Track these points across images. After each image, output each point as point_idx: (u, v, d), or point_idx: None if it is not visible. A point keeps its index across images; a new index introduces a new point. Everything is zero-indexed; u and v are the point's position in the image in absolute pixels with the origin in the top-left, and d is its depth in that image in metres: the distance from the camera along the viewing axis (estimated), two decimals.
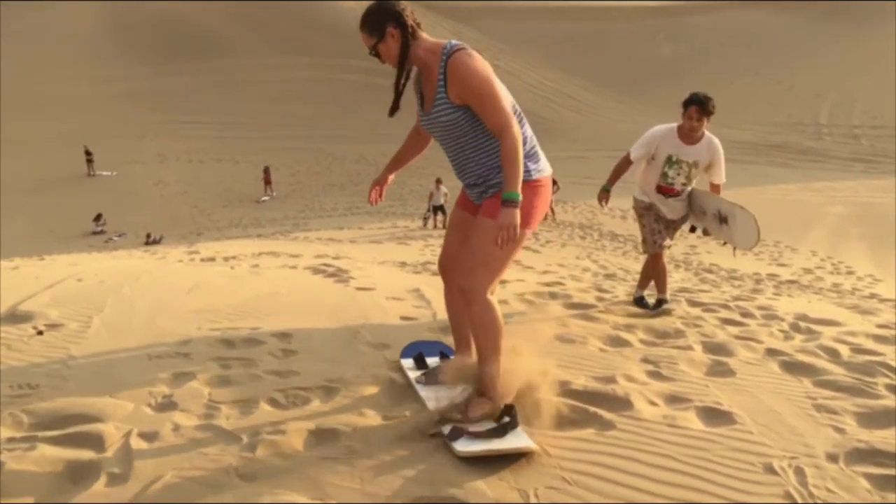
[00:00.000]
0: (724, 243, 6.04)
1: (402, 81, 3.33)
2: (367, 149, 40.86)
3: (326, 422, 3.31)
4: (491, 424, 3.13)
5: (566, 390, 3.72)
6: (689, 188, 5.85)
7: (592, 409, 3.50)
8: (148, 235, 27.20)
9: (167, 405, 3.49)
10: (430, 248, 18.42)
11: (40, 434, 3.14)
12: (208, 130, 41.84)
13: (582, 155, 37.39)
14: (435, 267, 11.68)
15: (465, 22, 54.01)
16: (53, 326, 4.71)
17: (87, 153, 36.08)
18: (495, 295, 3.35)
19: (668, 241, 5.98)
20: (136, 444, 3.08)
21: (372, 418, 3.37)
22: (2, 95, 43.12)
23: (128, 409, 3.41)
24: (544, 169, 3.44)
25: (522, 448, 3.00)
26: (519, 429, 3.14)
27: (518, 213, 3.03)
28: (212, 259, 13.72)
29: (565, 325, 5.10)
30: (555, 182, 22.85)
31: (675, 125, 5.69)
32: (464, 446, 2.98)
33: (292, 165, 38.97)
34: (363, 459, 2.99)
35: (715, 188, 5.88)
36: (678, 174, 5.72)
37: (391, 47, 3.25)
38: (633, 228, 22.42)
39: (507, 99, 3.22)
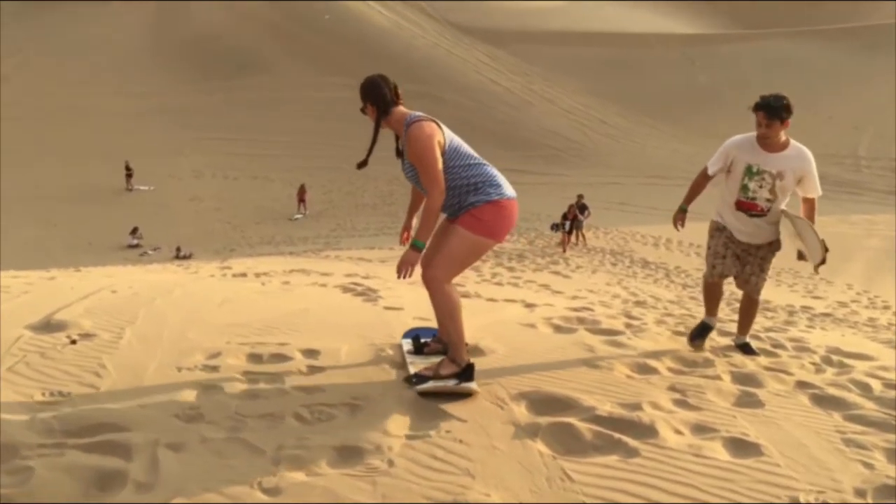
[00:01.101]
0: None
1: (371, 146, 4.30)
2: (400, 170, 41.06)
3: (350, 439, 3.33)
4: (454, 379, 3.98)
5: (591, 416, 3.70)
6: (776, 206, 5.04)
7: (617, 435, 3.48)
8: (178, 249, 27.58)
9: (195, 417, 3.53)
10: None
11: (70, 441, 3.20)
12: (244, 148, 42.42)
13: (615, 181, 37.25)
14: (464, 289, 11.71)
15: (501, 46, 54.32)
16: (86, 336, 4.80)
17: (128, 168, 36.76)
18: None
19: (728, 272, 5.24)
20: (163, 454, 3.12)
21: (395, 437, 3.38)
22: (45, 108, 44.17)
23: (156, 420, 3.46)
24: (505, 193, 4.21)
25: (465, 390, 3.91)
26: (473, 383, 3.99)
27: (417, 256, 3.98)
28: (243, 275, 13.87)
29: (592, 351, 5.07)
30: (585, 207, 22.88)
31: (753, 133, 5.03)
32: (422, 387, 3.92)
33: (325, 185, 39.33)
34: (385, 478, 3.00)
35: (809, 204, 5.12)
36: (760, 187, 5.00)
37: (370, 115, 4.21)
38: (664, 256, 22.29)
39: (461, 158, 4.18)
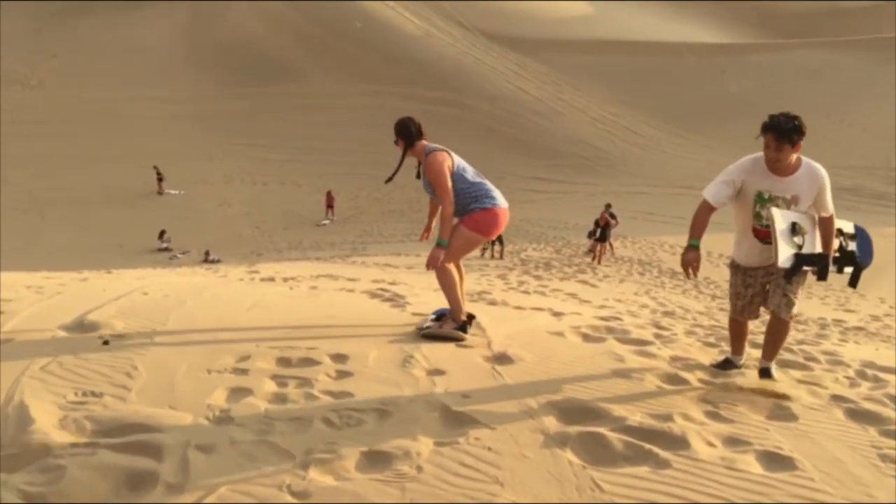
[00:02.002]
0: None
1: (398, 167, 5.66)
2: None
3: (379, 444, 3.32)
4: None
5: (621, 426, 3.66)
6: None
7: (648, 446, 3.44)
8: (206, 253, 27.85)
9: (224, 419, 3.55)
10: (486, 277, 18.42)
11: (102, 441, 3.22)
12: (273, 153, 42.76)
13: (643, 190, 37.00)
14: (491, 296, 11.68)
15: (530, 54, 54.25)
16: (119, 337, 4.84)
17: (158, 172, 37.22)
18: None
19: (751, 314, 4.90)
20: (194, 455, 3.13)
21: (424, 444, 3.36)
22: (80, 112, 44.87)
23: (186, 421, 3.48)
24: (497, 203, 5.57)
25: (457, 335, 5.41)
26: (466, 334, 5.47)
27: (442, 252, 5.38)
28: (271, 279, 13.97)
29: (622, 361, 5.03)
30: (613, 216, 22.71)
31: (761, 154, 4.47)
32: (425, 331, 5.47)
33: (353, 190, 39.50)
34: (413, 484, 2.99)
35: (824, 224, 4.60)
36: (775, 206, 4.52)
37: (400, 146, 5.54)
38: None
39: (466, 177, 5.52)
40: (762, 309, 4.92)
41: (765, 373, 4.79)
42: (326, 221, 35.39)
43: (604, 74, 52.64)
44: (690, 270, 4.49)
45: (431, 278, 15.24)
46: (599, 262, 21.86)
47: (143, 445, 3.20)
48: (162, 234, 30.33)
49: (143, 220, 33.26)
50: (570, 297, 14.74)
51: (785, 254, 4.42)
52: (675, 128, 46.51)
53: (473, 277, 18.06)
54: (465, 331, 5.51)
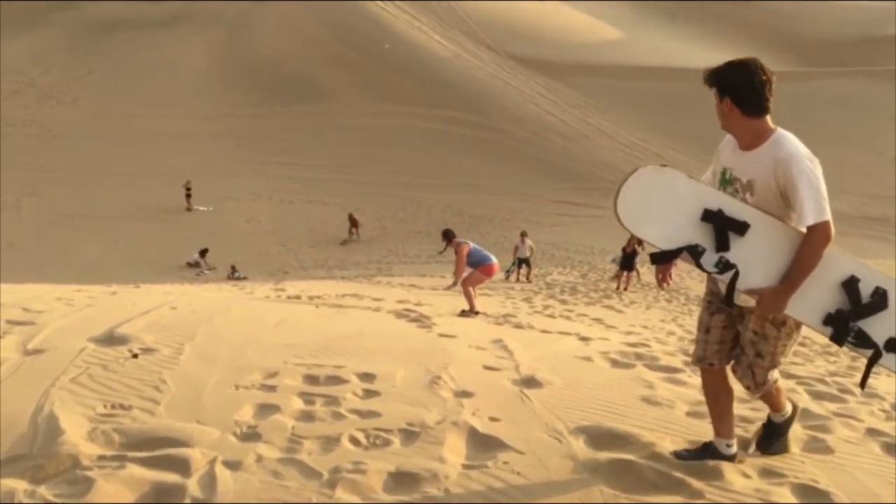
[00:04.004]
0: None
1: (443, 250, 13.51)
2: (454, 198, 41.31)
3: (406, 465, 3.28)
4: None
5: (652, 454, 3.59)
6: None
7: (679, 475, 3.36)
8: (233, 268, 28.03)
9: (251, 435, 3.53)
10: (512, 300, 18.34)
11: (130, 454, 3.22)
12: (301, 172, 43.10)
13: None
14: (517, 319, 11.62)
15: (558, 79, 54.41)
16: (147, 351, 4.86)
17: (187, 188, 37.63)
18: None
19: (715, 357, 3.51)
20: (220, 471, 3.11)
21: (452, 465, 3.32)
22: (112, 129, 45.59)
23: (214, 437, 3.46)
24: (492, 261, 11.92)
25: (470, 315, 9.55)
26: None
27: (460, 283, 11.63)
28: (297, 297, 14.02)
29: (652, 387, 4.95)
30: (640, 242, 22.56)
31: None
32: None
33: (379, 210, 39.68)
34: None
35: (806, 238, 3.10)
36: None
37: (445, 241, 12.34)
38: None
39: (477, 251, 11.78)
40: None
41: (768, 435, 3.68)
42: (352, 239, 35.63)
43: (632, 100, 52.63)
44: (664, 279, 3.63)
45: (455, 301, 15.19)
46: (626, 290, 21.66)
47: (171, 460, 3.19)
48: (204, 252, 30.50)
49: (171, 236, 33.62)
50: (596, 323, 14.62)
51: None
52: (705, 154, 46.24)
53: (498, 300, 17.99)
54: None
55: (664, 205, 3.23)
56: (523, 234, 24.30)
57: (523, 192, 42.00)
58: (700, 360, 3.60)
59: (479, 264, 11.85)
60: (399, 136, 45.92)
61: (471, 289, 11.73)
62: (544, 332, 9.27)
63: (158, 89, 50.31)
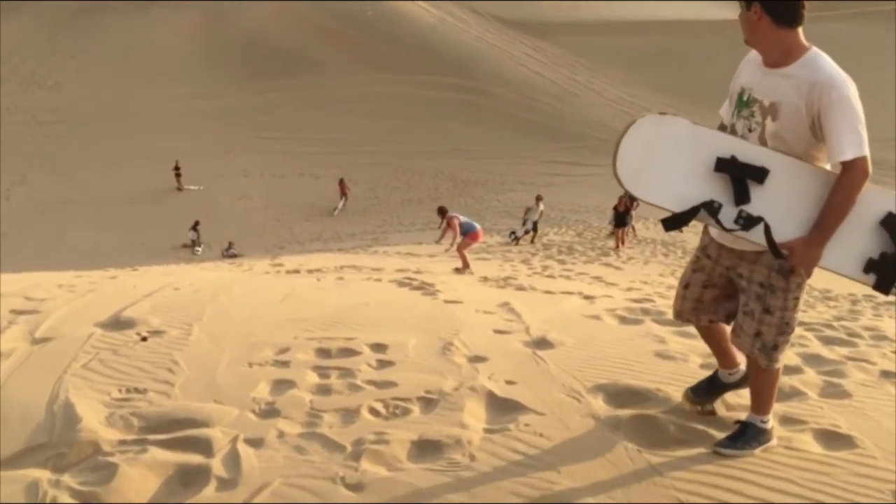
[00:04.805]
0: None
1: (442, 235, 17.57)
2: (446, 164, 41.12)
3: (428, 433, 3.27)
4: None
5: (672, 408, 3.59)
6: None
7: (700, 427, 3.36)
8: (230, 244, 27.94)
9: (271, 412, 3.51)
10: (510, 263, 18.33)
11: (150, 437, 3.20)
12: (290, 146, 42.80)
13: None
14: (517, 282, 11.61)
15: (544, 38, 53.92)
16: (156, 333, 4.82)
17: (177, 168, 37.36)
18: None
19: (693, 314, 3.30)
20: (243, 449, 3.09)
21: (474, 431, 3.31)
22: (98, 112, 45.12)
23: (233, 415, 3.44)
24: (477, 228, 15.61)
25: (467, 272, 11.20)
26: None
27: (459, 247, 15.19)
28: (296, 271, 13.99)
29: (663, 342, 4.94)
30: (633, 199, 22.52)
31: None
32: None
33: (371, 180, 39.48)
34: (468, 472, 2.93)
35: (839, 178, 2.77)
36: (750, 131, 2.93)
37: (440, 215, 16.69)
38: None
39: (466, 221, 15.81)
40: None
41: (746, 429, 3.15)
42: (338, 209, 35.56)
43: (619, 56, 52.25)
44: None
45: (455, 265, 15.35)
46: (623, 246, 21.64)
47: (192, 441, 3.17)
48: (196, 225, 30.48)
49: (164, 218, 33.44)
50: (596, 281, 14.64)
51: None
52: (693, 106, 46.02)
53: (496, 263, 17.98)
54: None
55: (670, 159, 2.87)
56: (538, 198, 24.30)
57: (515, 155, 41.83)
58: (678, 316, 3.38)
59: (467, 233, 15.36)
60: (388, 105, 45.57)
61: (463, 251, 15.08)
62: (547, 292, 9.26)
63: (141, 71, 49.70)
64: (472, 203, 35.36)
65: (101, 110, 45.35)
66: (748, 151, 2.84)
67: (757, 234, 2.82)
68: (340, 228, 32.48)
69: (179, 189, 37.51)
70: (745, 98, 2.94)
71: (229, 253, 27.30)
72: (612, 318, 6.03)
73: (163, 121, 44.94)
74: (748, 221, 2.83)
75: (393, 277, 10.62)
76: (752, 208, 2.83)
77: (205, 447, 3.12)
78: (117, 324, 5.09)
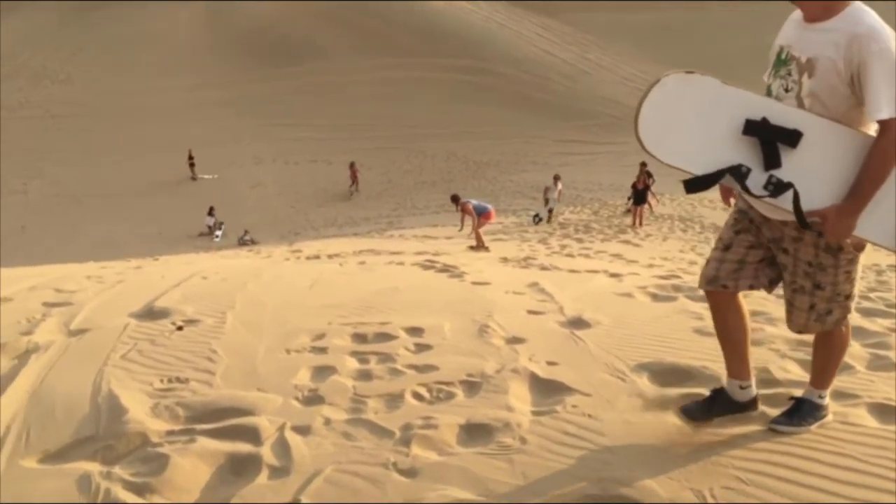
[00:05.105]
0: None
1: (461, 224, 19.46)
2: (457, 146, 40.95)
3: (476, 416, 3.24)
4: None
5: (719, 386, 3.53)
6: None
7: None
8: (245, 232, 27.99)
9: (314, 399, 3.49)
10: (528, 243, 18.26)
11: (198, 427, 3.18)
12: (301, 132, 42.73)
13: None
14: (538, 261, 11.54)
15: (553, 16, 53.46)
16: (191, 322, 4.81)
17: (191, 157, 37.40)
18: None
19: (733, 280, 2.94)
20: (291, 437, 3.07)
21: (521, 413, 3.27)
22: (108, 105, 45.19)
23: (277, 403, 3.42)
24: (490, 209, 17.24)
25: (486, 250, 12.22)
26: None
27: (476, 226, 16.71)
28: (316, 257, 13.99)
29: (701, 319, 4.87)
30: (650, 175, 22.33)
31: None
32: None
33: (384, 164, 39.38)
34: (520, 455, 2.90)
35: (877, 139, 2.60)
36: (786, 90, 2.76)
37: (455, 203, 18.77)
38: None
39: (479, 204, 17.44)
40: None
41: (802, 405, 3.06)
42: (353, 192, 35.62)
43: (630, 32, 51.75)
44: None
45: (469, 245, 15.72)
46: (641, 224, 21.49)
47: (240, 429, 3.15)
48: (211, 210, 30.61)
49: (179, 207, 33.49)
50: (616, 258, 14.56)
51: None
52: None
53: (514, 244, 17.92)
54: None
55: (695, 120, 2.70)
56: (556, 178, 24.16)
57: (527, 135, 41.59)
58: (711, 282, 2.95)
59: (480, 214, 16.84)
60: (398, 89, 45.36)
61: (479, 230, 16.57)
62: (572, 271, 9.22)
63: (150, 63, 49.66)
64: (485, 185, 35.24)
65: (113, 102, 45.39)
66: (780, 113, 2.68)
67: (787, 202, 2.66)
68: (355, 213, 32.44)
69: (193, 178, 37.54)
70: (782, 56, 2.79)
71: (245, 240, 27.33)
72: (644, 295, 5.97)
73: (173, 111, 44.94)
74: (777, 188, 2.66)
75: (415, 261, 10.58)
76: (783, 173, 2.66)
77: (253, 436, 3.10)
78: (151, 314, 5.08)
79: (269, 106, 45.66)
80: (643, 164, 23.55)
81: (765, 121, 2.65)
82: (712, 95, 2.71)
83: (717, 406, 3.07)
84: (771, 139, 2.65)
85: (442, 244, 17.90)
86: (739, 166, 2.67)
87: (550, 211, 23.27)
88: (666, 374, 3.73)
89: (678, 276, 8.09)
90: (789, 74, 2.74)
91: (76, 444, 3.07)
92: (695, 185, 2.73)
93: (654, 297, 5.93)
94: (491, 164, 39.07)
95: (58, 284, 6.40)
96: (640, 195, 21.74)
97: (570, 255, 15.34)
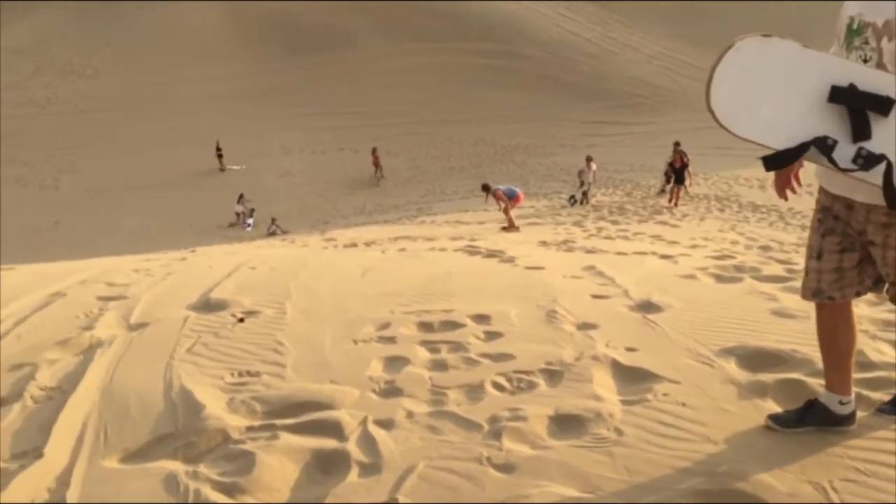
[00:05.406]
0: None
1: (486, 198, 19.77)
2: (485, 131, 40.68)
3: (564, 407, 3.10)
4: None
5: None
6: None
7: (855, 389, 3.13)
8: (272, 220, 28.00)
9: (391, 391, 3.37)
10: (563, 226, 18.06)
11: (278, 422, 3.08)
12: (328, 121, 42.67)
13: (709, 124, 35.52)
14: (578, 244, 11.36)
15: None
16: (251, 313, 4.72)
17: (218, 148, 37.52)
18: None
19: (836, 289, 2.72)
20: (375, 431, 2.96)
21: (611, 403, 3.13)
22: (135, 98, 45.41)
23: (354, 396, 3.31)
24: (518, 192, 18.15)
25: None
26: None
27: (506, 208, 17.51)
28: (353, 245, 13.91)
29: (775, 300, 4.70)
30: (684, 154, 21.94)
31: None
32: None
33: (411, 150, 39.24)
34: (619, 448, 2.76)
35: None
36: (860, 58, 2.54)
37: (485, 190, 19.06)
38: (774, 198, 21.26)
39: (508, 189, 18.41)
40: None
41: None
42: (379, 178, 35.55)
43: (654, 9, 50.98)
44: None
45: (512, 233, 15.75)
46: (676, 205, 21.16)
47: (321, 424, 3.04)
48: (241, 198, 30.72)
49: (208, 199, 33.61)
50: (656, 239, 14.32)
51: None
52: None
53: (550, 228, 17.73)
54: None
55: (774, 89, 2.45)
56: (588, 159, 23.85)
57: (554, 117, 41.20)
58: (816, 294, 2.74)
59: (510, 198, 17.61)
60: (422, 75, 45.12)
61: (509, 213, 17.40)
62: (620, 254, 9.04)
63: (176, 55, 49.79)
64: (513, 168, 35.00)
65: (140, 96, 45.59)
66: (870, 78, 2.42)
67: (878, 176, 2.39)
68: (383, 200, 32.35)
69: (222, 169, 37.67)
70: (854, 26, 2.55)
71: (272, 230, 27.37)
72: (706, 276, 5.79)
73: (199, 103, 45.06)
74: (868, 160, 2.39)
75: (456, 246, 10.46)
76: (874, 145, 2.40)
77: (335, 430, 2.99)
78: (208, 306, 5.00)
79: (294, 95, 45.65)
80: (677, 143, 23.19)
81: (852, 87, 2.40)
82: (792, 60, 2.47)
83: (810, 417, 2.82)
84: (860, 107, 2.40)
85: (475, 229, 17.76)
86: (825, 138, 2.42)
87: (585, 193, 22.98)
88: (754, 358, 3.56)
89: (732, 256, 7.88)
90: (866, 43, 2.51)
91: (156, 442, 2.98)
92: (775, 160, 2.48)
93: (718, 278, 5.76)
94: (519, 148, 38.77)
95: (108, 278, 6.35)
96: (678, 174, 21.39)
97: (608, 238, 15.13)
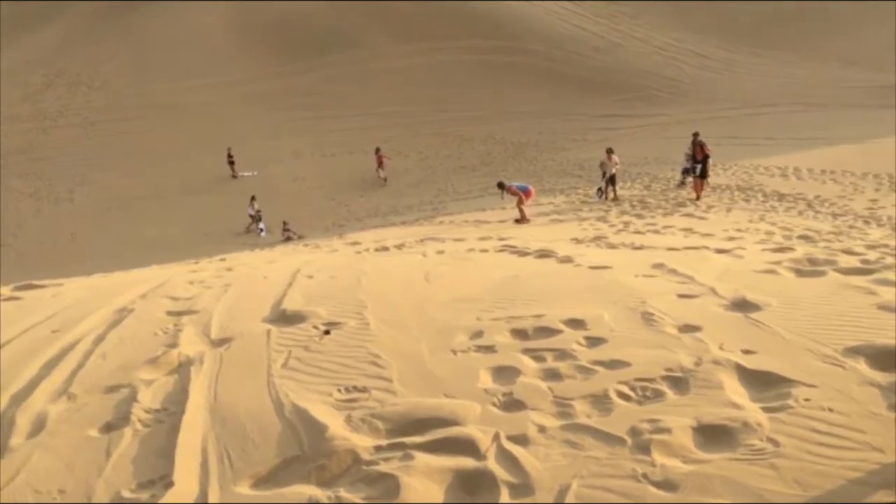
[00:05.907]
0: None
1: (501, 196, 19.86)
2: (495, 128, 40.45)
3: (705, 417, 2.96)
4: None
5: None
6: None
7: None
8: (284, 223, 27.82)
9: (513, 404, 3.23)
10: (588, 221, 17.85)
11: (407, 441, 2.94)
12: (338, 124, 42.50)
13: (723, 114, 35.59)
14: (610, 240, 11.20)
15: None
16: (333, 325, 4.58)
17: (230, 155, 37.40)
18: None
19: None
20: (512, 448, 2.82)
21: (752, 411, 2.99)
22: (145, 107, 45.34)
23: (476, 410, 3.17)
24: (530, 188, 18.40)
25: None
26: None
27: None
28: (384, 248, 13.74)
29: (874, 294, 4.55)
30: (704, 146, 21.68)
31: None
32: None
33: (422, 150, 39.04)
34: (780, 460, 2.62)
35: None
36: None
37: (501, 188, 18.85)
38: (799, 186, 21.08)
39: (521, 185, 18.60)
40: None
41: None
42: (384, 179, 35.29)
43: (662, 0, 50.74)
44: None
45: (535, 230, 16.03)
46: (699, 197, 20.91)
47: (453, 442, 2.90)
48: (252, 199, 30.57)
49: (222, 206, 33.46)
50: (689, 233, 14.13)
51: None
52: (750, 46, 44.67)
53: (574, 224, 17.53)
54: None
55: None
56: (609, 151, 23.54)
57: (564, 112, 40.96)
58: None
59: (523, 192, 18.26)
60: (430, 74, 44.93)
61: (522, 206, 17.85)
62: (671, 249, 8.87)
63: (183, 63, 49.67)
64: (525, 165, 34.76)
65: (149, 105, 45.48)
66: None
67: None
68: (397, 202, 32.17)
69: (234, 176, 37.52)
70: None
71: (287, 234, 27.19)
72: (786, 271, 5.63)
73: (209, 110, 44.93)
74: None
75: (494, 246, 10.30)
76: None
77: (469, 448, 2.85)
78: (285, 318, 4.86)
79: (302, 98, 45.48)
80: (696, 134, 22.97)
81: None
82: None
83: None
84: None
85: (498, 228, 17.58)
86: None
87: (611, 180, 22.58)
88: (885, 357, 3.41)
89: (791, 249, 7.74)
90: None
91: (284, 466, 2.85)
92: None
93: (798, 272, 5.60)
94: (530, 144, 38.53)
95: (167, 291, 6.22)
96: (702, 166, 21.12)
97: (638, 232, 14.93)
